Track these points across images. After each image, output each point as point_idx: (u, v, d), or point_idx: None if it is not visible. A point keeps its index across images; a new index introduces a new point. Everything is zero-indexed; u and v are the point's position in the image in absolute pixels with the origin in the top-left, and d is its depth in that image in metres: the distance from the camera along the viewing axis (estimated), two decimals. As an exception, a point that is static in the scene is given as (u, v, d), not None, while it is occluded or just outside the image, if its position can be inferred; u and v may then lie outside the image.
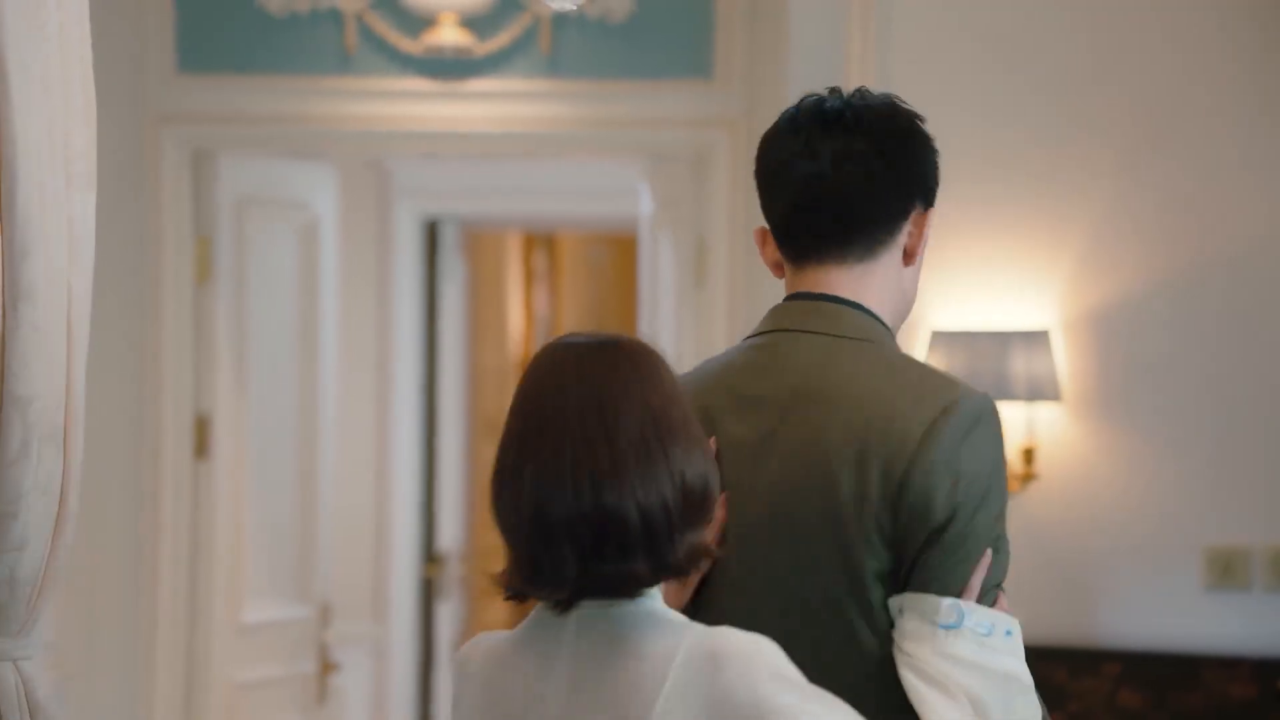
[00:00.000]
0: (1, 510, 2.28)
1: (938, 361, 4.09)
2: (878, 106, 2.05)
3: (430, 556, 6.23)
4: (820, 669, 1.79)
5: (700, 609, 1.95)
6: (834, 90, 2.06)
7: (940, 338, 4.12)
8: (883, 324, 2.05)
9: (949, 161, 4.35)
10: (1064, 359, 4.16)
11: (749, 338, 2.07)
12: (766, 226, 2.10)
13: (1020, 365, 4.06)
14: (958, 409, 1.92)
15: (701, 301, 4.60)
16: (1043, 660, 4.04)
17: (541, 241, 9.66)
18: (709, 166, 4.57)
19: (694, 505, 1.72)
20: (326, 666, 4.92)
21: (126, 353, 4.50)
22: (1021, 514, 4.17)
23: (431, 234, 6.55)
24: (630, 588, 1.71)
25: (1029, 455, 4.14)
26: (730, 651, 1.67)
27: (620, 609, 1.73)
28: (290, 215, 4.85)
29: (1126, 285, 4.16)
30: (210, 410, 4.61)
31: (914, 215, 2.09)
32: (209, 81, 4.59)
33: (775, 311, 2.06)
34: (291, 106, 4.56)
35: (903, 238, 2.08)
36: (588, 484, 1.68)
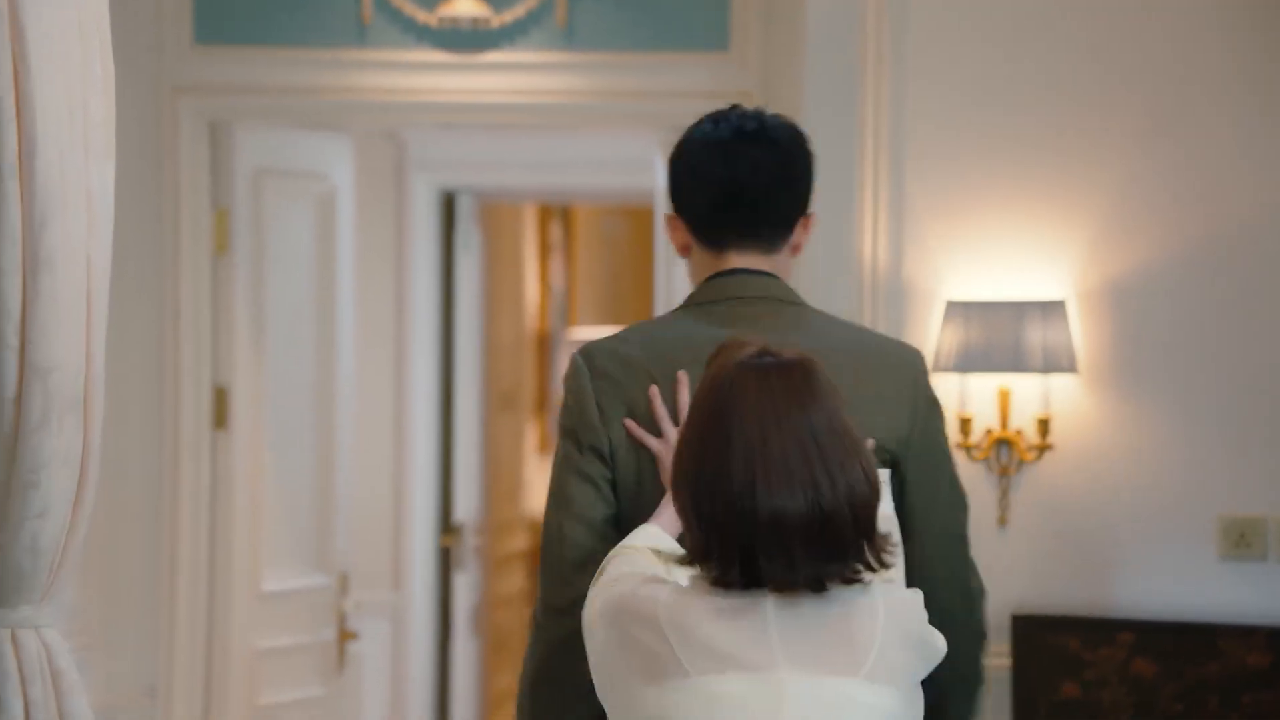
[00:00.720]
0: (23, 479, 2.30)
1: (952, 332, 4.10)
2: (784, 128, 2.50)
3: (447, 527, 6.25)
4: None
5: None
6: (734, 106, 2.54)
7: (955, 308, 4.13)
8: None
9: (964, 131, 4.32)
10: (1080, 330, 4.16)
11: (695, 306, 2.44)
12: (673, 214, 2.50)
13: (1036, 336, 4.06)
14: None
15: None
16: (1057, 629, 4.06)
17: (557, 213, 9.66)
18: (725, 137, 4.57)
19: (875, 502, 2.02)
20: (345, 634, 4.95)
21: (146, 323, 4.52)
22: (1037, 484, 4.18)
23: (448, 206, 6.56)
24: (853, 581, 1.99)
25: (1044, 426, 4.15)
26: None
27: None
28: (307, 186, 4.86)
29: (1143, 256, 4.16)
30: (229, 381, 4.63)
31: (802, 219, 2.52)
32: (226, 53, 4.60)
33: (716, 284, 2.45)
34: (308, 78, 4.57)
35: (794, 236, 2.51)
36: (812, 490, 1.96)
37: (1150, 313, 4.15)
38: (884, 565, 2.00)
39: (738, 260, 2.46)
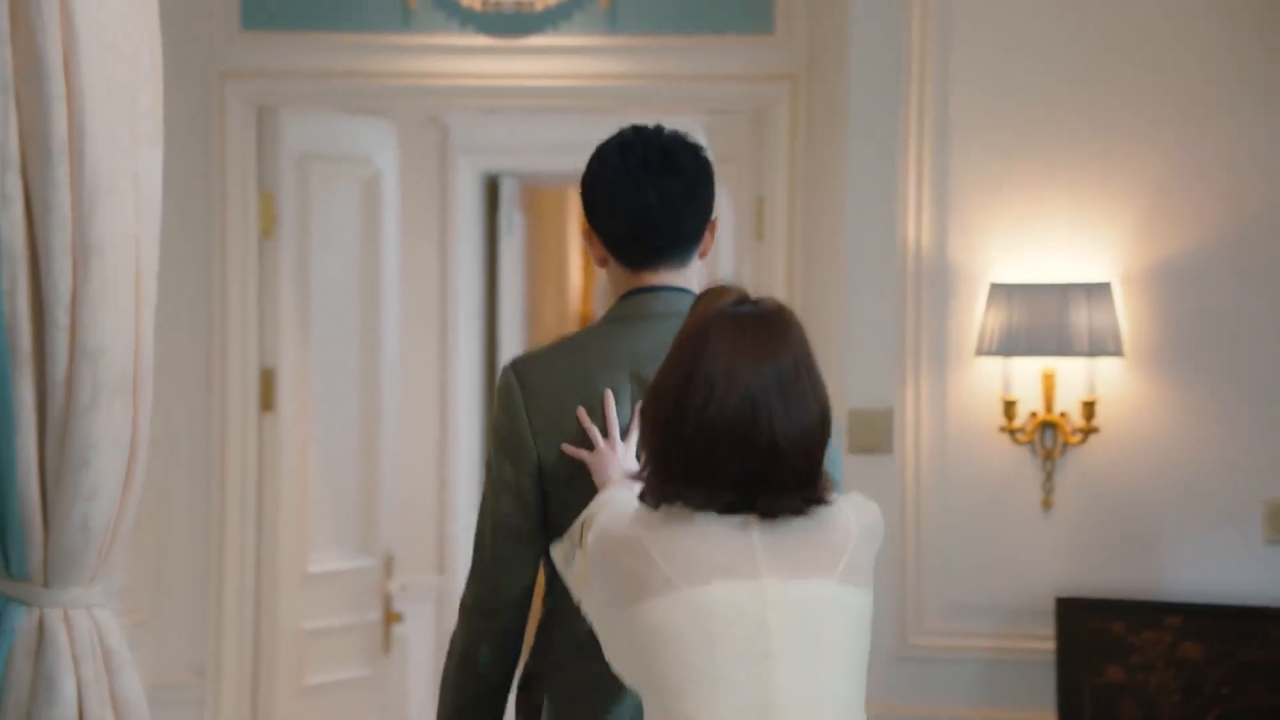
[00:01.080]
0: (74, 460, 2.33)
1: (996, 314, 4.09)
2: (686, 150, 2.70)
3: (491, 510, 6.25)
4: None
5: None
6: (638, 129, 2.74)
7: (999, 290, 4.11)
8: None
9: (1009, 115, 4.28)
10: (1125, 312, 4.14)
11: (615, 320, 2.64)
12: (589, 229, 2.69)
13: (1081, 318, 4.05)
14: None
15: (761, 255, 4.60)
16: (1102, 613, 4.05)
17: (601, 196, 9.64)
18: (769, 121, 4.57)
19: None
20: (390, 616, 4.97)
21: (193, 307, 4.55)
22: (1082, 468, 4.16)
23: (491, 189, 6.57)
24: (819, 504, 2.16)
25: (1089, 409, 4.13)
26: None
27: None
28: (352, 170, 4.88)
29: (1190, 238, 4.13)
30: (275, 363, 4.66)
31: (708, 228, 2.72)
32: (272, 38, 4.62)
33: (633, 301, 2.66)
34: (353, 62, 4.59)
35: (701, 245, 2.72)
36: (769, 426, 2.11)
37: (1198, 295, 4.13)
38: (826, 500, 2.17)
39: (651, 278, 2.67)
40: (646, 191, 2.68)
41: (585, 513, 2.34)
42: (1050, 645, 4.10)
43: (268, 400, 4.65)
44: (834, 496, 2.17)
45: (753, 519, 2.11)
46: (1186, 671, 3.98)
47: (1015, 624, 4.13)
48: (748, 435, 2.09)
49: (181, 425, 4.51)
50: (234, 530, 4.59)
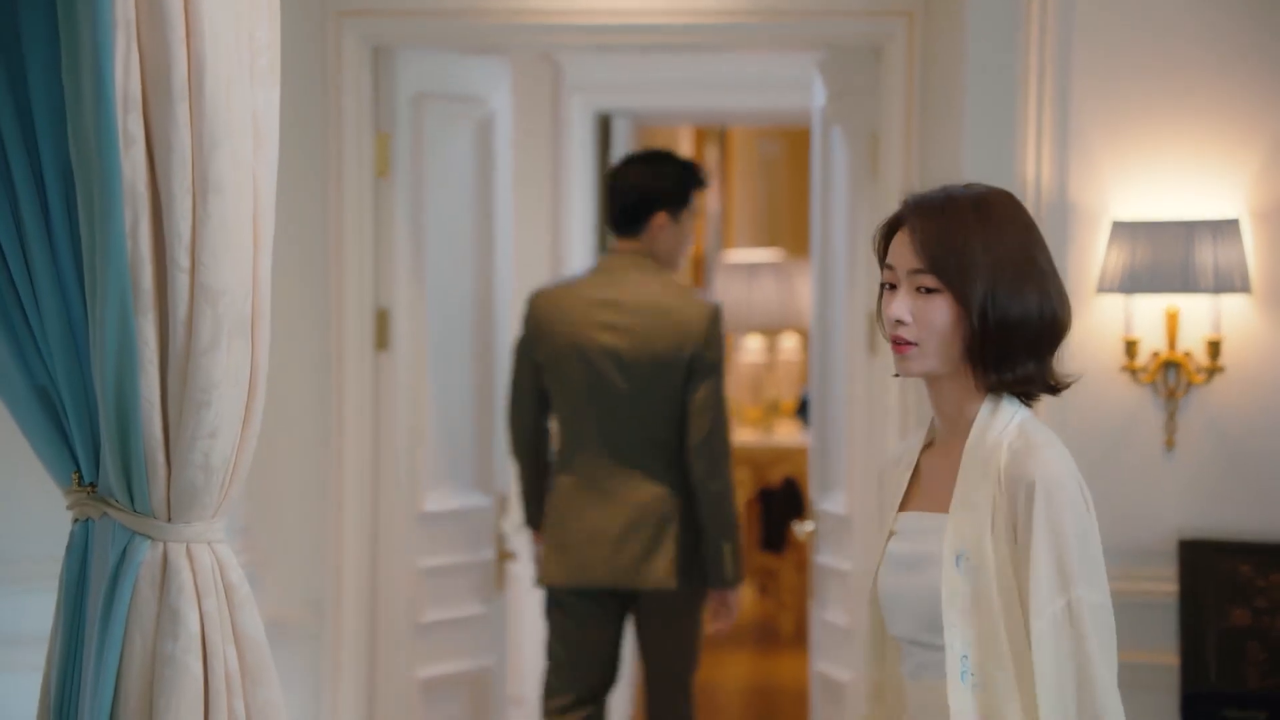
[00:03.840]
0: (195, 399, 2.35)
1: (1118, 253, 4.02)
2: (656, 158, 4.72)
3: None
4: (653, 437, 4.51)
5: (583, 439, 4.54)
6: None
7: (1122, 228, 4.03)
8: (657, 264, 4.62)
9: (1131, 48, 4.19)
10: (1254, 249, 4.05)
11: (590, 271, 4.68)
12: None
13: (1207, 256, 3.96)
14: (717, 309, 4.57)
15: (876, 194, 4.54)
16: (1227, 555, 3.98)
17: (713, 135, 9.61)
18: (885, 57, 4.50)
19: None
20: (504, 555, 5.01)
21: (309, 246, 4.58)
22: (1206, 408, 4.09)
23: (604, 128, 6.55)
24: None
25: (1214, 348, 4.05)
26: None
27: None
28: (466, 110, 4.88)
29: (1319, 173, 4.02)
30: (390, 303, 4.69)
31: (659, 215, 4.59)
32: (386, -23, 4.62)
33: (603, 258, 4.70)
34: (467, 1, 4.58)
35: (652, 228, 4.59)
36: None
37: (1327, 231, 4.02)
38: None
39: (618, 245, 4.63)
40: (620, 180, 4.66)
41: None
42: (1173, 587, 4.04)
43: (382, 339, 4.69)
44: None
45: None
46: (1313, 616, 3.91)
47: (1138, 565, 4.08)
48: None
49: (298, 364, 4.55)
50: (351, 469, 4.63)
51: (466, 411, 4.90)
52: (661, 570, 4.42)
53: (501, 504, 5.00)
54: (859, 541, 4.62)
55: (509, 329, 5.03)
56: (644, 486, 4.44)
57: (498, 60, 4.99)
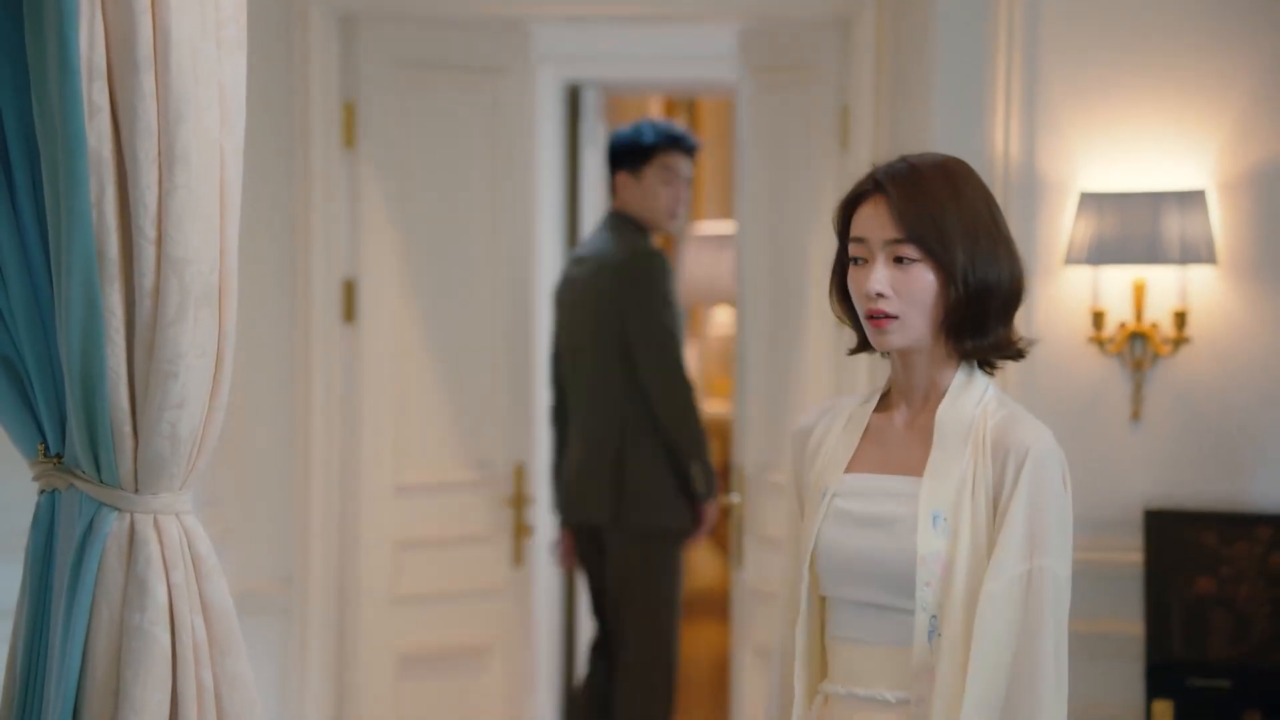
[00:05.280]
0: (162, 369, 2.34)
1: (1086, 224, 4.03)
2: (622, 132, 5.19)
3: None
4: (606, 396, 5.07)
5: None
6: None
7: (1089, 199, 4.05)
8: (634, 222, 5.14)
9: (1099, 18, 4.19)
10: (1220, 220, 4.06)
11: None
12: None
13: (1173, 227, 3.98)
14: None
15: (846, 164, 4.54)
16: (1192, 524, 4.01)
17: (682, 106, 9.59)
18: (853, 28, 4.50)
19: None
20: (521, 529, 4.96)
21: (276, 217, 4.56)
22: (1172, 378, 4.11)
23: (573, 99, 6.53)
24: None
25: (1181, 319, 4.07)
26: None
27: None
28: (434, 78, 4.85)
29: (1285, 144, 4.04)
30: (358, 274, 4.67)
31: (618, 176, 5.13)
32: (352, -54, 4.59)
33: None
34: (434, -30, 4.56)
35: (617, 189, 5.14)
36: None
37: (1293, 203, 4.04)
38: None
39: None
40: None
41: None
42: (1138, 557, 4.07)
43: (350, 311, 4.67)
44: None
45: None
46: (1278, 583, 3.94)
47: (1104, 535, 4.10)
48: None
49: (266, 335, 4.53)
50: (319, 440, 4.62)
51: (464, 385, 4.85)
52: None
53: (519, 476, 4.94)
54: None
55: (479, 300, 4.99)
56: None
57: (466, 29, 4.97)
